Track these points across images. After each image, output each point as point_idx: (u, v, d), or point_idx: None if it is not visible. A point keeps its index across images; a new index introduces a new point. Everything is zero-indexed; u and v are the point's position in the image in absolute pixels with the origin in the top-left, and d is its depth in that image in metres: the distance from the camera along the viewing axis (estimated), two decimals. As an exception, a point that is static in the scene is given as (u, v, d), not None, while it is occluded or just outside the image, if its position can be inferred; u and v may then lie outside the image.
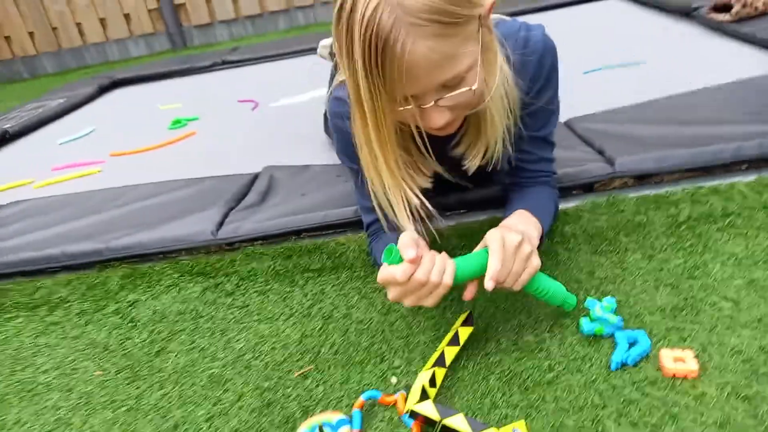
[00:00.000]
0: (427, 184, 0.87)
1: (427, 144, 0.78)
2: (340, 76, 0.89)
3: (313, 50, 3.06)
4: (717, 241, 0.95)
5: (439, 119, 0.73)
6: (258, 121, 2.16)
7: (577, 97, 1.62)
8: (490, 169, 0.91)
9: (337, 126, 0.92)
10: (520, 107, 0.89)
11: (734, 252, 0.92)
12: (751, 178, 1.09)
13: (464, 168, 0.90)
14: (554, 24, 2.85)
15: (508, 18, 0.91)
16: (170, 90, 2.95)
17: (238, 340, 0.95)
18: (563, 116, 1.50)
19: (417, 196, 0.82)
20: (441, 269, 0.72)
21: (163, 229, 1.29)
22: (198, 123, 2.28)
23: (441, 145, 0.87)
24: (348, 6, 0.66)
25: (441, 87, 0.72)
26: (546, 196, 0.99)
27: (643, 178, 1.16)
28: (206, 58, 3.29)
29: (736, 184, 1.07)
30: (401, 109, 0.73)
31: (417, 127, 0.77)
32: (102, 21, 4.34)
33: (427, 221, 0.85)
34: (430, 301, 0.73)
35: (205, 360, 0.92)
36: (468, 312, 0.86)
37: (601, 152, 1.25)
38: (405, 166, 0.82)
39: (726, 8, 1.97)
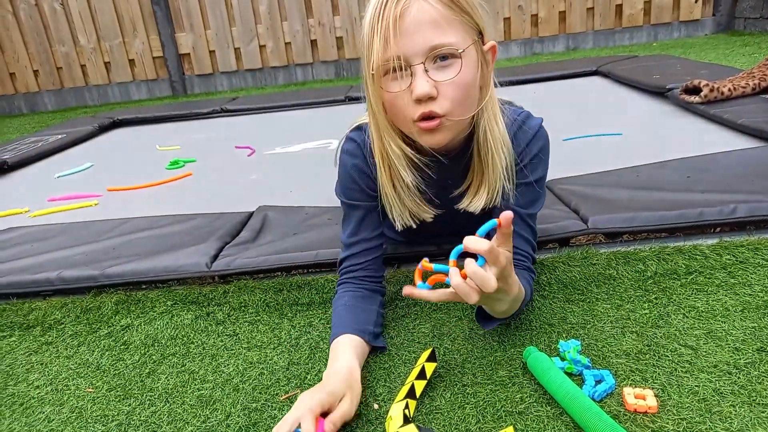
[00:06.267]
0: (429, 216, 1.01)
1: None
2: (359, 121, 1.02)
3: (308, 105, 3.22)
4: (680, 295, 1.03)
5: (424, 85, 0.82)
6: (253, 166, 2.25)
7: (556, 162, 1.74)
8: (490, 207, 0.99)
9: (342, 160, 1.02)
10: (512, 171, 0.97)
11: (695, 305, 1.00)
12: (713, 241, 1.19)
13: (468, 210, 0.98)
14: (541, 93, 3.01)
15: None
16: (169, 133, 3.05)
17: (227, 365, 1.00)
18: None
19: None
20: None
21: (159, 259, 1.34)
22: (195, 165, 2.36)
23: (445, 192, 0.98)
24: None
25: (430, 53, 0.82)
26: (525, 281, 1.02)
27: (613, 236, 1.25)
28: (206, 105, 3.41)
29: (698, 246, 1.16)
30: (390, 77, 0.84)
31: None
32: (107, 65, 4.49)
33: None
34: None
35: (195, 382, 0.96)
36: (431, 349, 0.90)
37: (576, 211, 1.34)
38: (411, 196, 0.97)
39: (696, 91, 2.15)
